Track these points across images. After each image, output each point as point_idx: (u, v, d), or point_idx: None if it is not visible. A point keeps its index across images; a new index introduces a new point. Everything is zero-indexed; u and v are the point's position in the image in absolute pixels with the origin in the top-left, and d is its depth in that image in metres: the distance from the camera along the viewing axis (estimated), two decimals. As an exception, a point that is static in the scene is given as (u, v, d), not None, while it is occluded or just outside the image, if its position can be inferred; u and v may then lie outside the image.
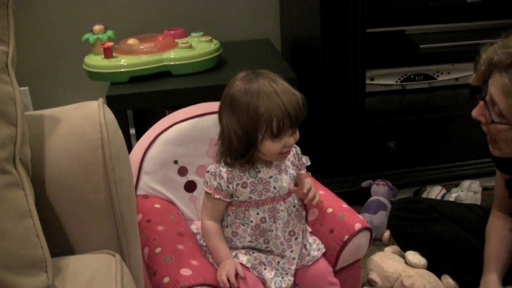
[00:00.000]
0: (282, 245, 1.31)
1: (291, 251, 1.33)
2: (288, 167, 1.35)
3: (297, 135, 1.28)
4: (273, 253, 1.33)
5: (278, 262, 1.32)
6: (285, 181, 1.33)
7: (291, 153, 1.37)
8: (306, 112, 1.26)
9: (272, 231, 1.31)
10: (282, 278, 1.31)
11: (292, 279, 1.32)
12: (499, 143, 1.33)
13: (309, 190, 1.33)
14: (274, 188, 1.31)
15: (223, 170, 1.29)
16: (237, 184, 1.29)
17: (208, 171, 1.32)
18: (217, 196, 1.29)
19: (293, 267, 1.32)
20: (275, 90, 1.22)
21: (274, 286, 1.29)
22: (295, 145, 1.39)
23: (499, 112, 1.26)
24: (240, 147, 1.25)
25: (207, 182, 1.32)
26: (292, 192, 1.34)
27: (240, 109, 1.22)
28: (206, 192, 1.32)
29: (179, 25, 2.22)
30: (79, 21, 2.33)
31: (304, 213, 1.41)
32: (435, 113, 2.09)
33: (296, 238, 1.34)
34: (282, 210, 1.31)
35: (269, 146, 1.24)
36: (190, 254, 1.27)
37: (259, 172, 1.30)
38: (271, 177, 1.31)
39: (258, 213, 1.30)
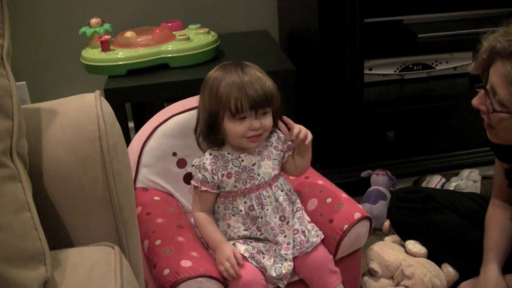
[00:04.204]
0: (273, 230, 1.32)
1: (284, 236, 1.33)
2: (271, 153, 1.37)
3: (267, 121, 1.30)
4: (269, 240, 1.34)
5: (275, 250, 1.33)
6: (269, 166, 1.35)
7: (274, 138, 1.39)
8: (278, 101, 1.30)
9: (262, 217, 1.32)
10: (282, 264, 1.31)
11: (291, 264, 1.33)
12: (497, 130, 1.32)
13: (299, 133, 1.34)
14: (259, 174, 1.33)
15: (207, 162, 1.32)
16: (222, 175, 1.32)
17: (193, 165, 1.35)
18: (204, 188, 1.32)
19: (290, 251, 1.33)
20: (238, 75, 1.27)
21: (274, 273, 1.29)
22: (277, 130, 1.41)
23: (500, 101, 1.25)
24: (205, 127, 1.32)
25: (193, 176, 1.34)
26: (289, 140, 1.37)
27: (207, 91, 1.30)
28: (194, 186, 1.34)
29: (176, 18, 2.21)
30: (76, 15, 2.32)
31: (294, 197, 1.41)
32: (434, 103, 2.09)
33: (287, 223, 1.35)
34: (269, 196, 1.33)
35: (232, 127, 1.28)
36: (190, 246, 1.27)
37: (242, 161, 1.33)
38: (254, 164, 1.33)
39: (245, 202, 1.32)
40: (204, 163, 1.32)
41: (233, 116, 1.26)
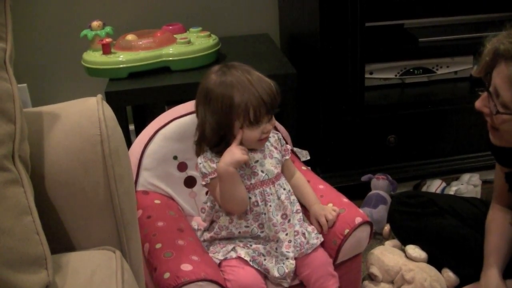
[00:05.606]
0: (275, 226, 1.33)
1: (286, 234, 1.34)
2: (272, 152, 1.39)
3: (273, 120, 1.32)
4: (269, 239, 1.34)
5: (276, 249, 1.33)
6: (271, 164, 1.36)
7: (273, 138, 1.41)
8: (280, 98, 1.30)
9: (265, 214, 1.33)
10: (284, 263, 1.32)
11: (293, 262, 1.33)
12: (500, 132, 1.32)
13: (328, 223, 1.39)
14: (262, 171, 1.34)
15: (213, 154, 1.33)
16: None
17: (201, 163, 1.34)
18: None
19: (291, 249, 1.33)
20: (249, 80, 1.26)
21: (277, 274, 1.30)
22: (276, 132, 1.45)
23: (503, 103, 1.24)
24: (212, 138, 1.30)
25: (206, 173, 1.32)
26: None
27: (215, 101, 1.27)
28: (212, 180, 1.32)
29: (178, 21, 2.21)
30: (78, 17, 2.33)
31: (293, 197, 1.42)
32: (435, 107, 2.09)
33: (289, 221, 1.36)
34: (272, 194, 1.34)
35: (250, 134, 1.28)
36: (190, 250, 1.27)
37: None
38: (257, 161, 1.35)
39: (250, 197, 1.33)
40: (210, 155, 1.32)
41: (251, 124, 1.27)
